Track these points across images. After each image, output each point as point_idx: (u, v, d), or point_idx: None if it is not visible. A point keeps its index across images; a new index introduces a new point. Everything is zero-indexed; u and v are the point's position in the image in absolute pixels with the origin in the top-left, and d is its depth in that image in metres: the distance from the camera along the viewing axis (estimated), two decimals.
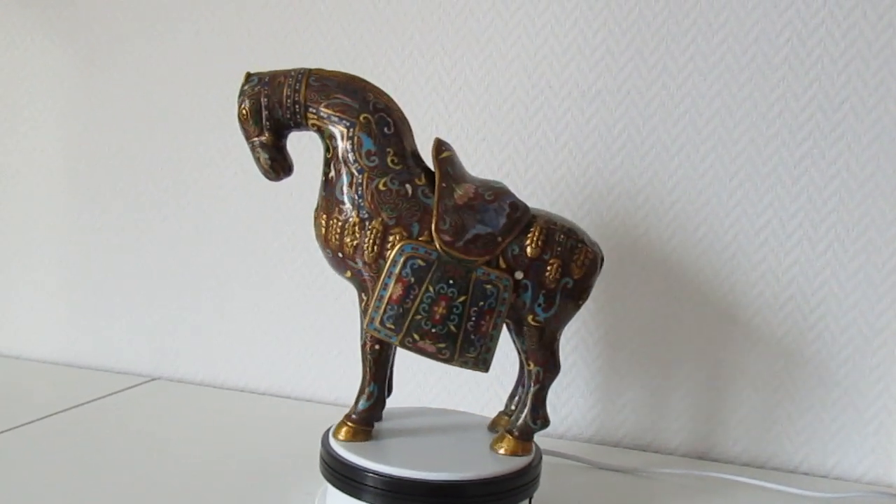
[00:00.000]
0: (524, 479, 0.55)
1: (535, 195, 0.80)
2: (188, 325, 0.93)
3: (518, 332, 0.57)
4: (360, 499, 0.53)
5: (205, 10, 0.89)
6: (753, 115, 0.75)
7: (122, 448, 0.70)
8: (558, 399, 0.81)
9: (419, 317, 0.54)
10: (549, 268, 0.55)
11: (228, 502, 0.61)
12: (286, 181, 0.84)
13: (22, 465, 0.66)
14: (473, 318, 0.54)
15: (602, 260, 0.58)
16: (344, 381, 0.88)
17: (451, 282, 0.54)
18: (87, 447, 0.70)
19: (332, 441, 0.57)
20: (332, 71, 0.57)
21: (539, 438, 0.61)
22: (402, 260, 0.54)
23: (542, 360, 0.57)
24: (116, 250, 0.95)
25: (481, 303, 0.54)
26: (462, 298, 0.54)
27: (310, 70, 0.56)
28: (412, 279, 0.54)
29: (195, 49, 0.90)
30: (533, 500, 0.59)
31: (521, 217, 0.56)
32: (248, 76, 0.57)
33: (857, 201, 0.74)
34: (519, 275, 0.55)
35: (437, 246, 0.54)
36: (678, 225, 0.78)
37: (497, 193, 0.57)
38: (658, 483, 0.70)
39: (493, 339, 0.55)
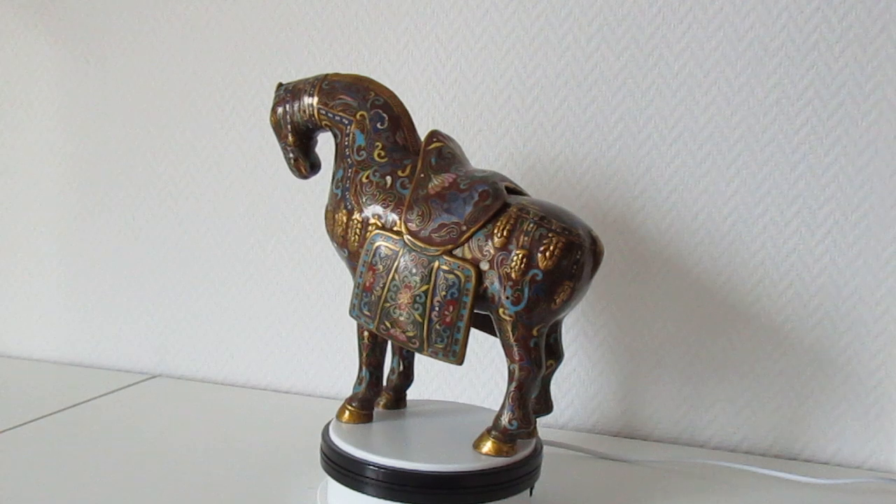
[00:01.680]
0: (524, 470, 0.55)
1: (532, 186, 0.80)
2: (188, 322, 0.93)
3: (497, 326, 0.55)
4: (360, 491, 0.54)
5: (199, 6, 0.89)
6: (751, 102, 0.75)
7: (124, 445, 0.71)
8: (559, 389, 0.81)
9: (388, 304, 0.55)
10: (514, 258, 0.52)
11: (231, 497, 0.61)
12: (286, 181, 0.86)
13: (24, 464, 0.66)
14: (437, 309, 0.54)
15: (599, 252, 0.55)
16: (344, 377, 0.88)
17: (413, 271, 0.54)
18: (88, 445, 0.70)
19: (332, 434, 0.57)
20: (344, 74, 0.60)
21: (540, 428, 0.61)
22: (373, 249, 0.56)
23: (518, 358, 0.54)
24: (116, 250, 0.95)
25: (444, 293, 0.54)
26: (424, 288, 0.54)
27: (326, 75, 0.60)
28: (380, 267, 0.55)
29: (192, 48, 0.90)
30: (533, 491, 0.59)
31: (490, 205, 0.54)
32: (278, 86, 0.61)
33: (854, 187, 0.74)
34: (485, 265, 0.53)
35: (403, 235, 0.55)
36: (676, 214, 0.78)
37: (473, 182, 0.55)
38: (659, 472, 0.70)
39: (461, 331, 0.54)
